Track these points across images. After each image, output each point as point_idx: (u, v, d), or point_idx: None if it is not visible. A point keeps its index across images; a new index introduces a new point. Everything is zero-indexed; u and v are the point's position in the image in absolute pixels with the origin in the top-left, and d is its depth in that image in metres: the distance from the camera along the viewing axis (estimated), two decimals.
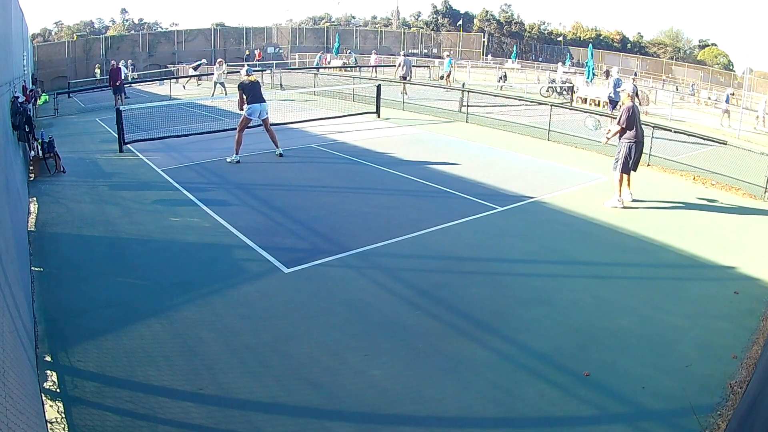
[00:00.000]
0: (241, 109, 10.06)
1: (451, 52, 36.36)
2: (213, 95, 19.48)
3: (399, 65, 20.46)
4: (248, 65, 26.26)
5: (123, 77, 22.26)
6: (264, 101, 10.06)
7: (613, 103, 14.73)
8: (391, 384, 3.75)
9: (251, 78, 10.07)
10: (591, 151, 11.32)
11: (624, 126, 7.52)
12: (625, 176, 7.68)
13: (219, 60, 22.35)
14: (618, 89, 14.51)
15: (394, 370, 3.90)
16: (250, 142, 10.90)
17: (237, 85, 10.45)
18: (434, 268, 5.68)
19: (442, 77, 24.43)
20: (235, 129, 12.30)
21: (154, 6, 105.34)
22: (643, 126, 7.96)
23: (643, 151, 8.05)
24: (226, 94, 19.22)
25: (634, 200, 7.88)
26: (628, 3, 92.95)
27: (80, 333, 4.28)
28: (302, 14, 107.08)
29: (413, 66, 22.68)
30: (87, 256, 5.81)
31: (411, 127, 13.65)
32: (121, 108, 11.28)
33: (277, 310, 4.70)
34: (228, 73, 21.61)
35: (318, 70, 25.74)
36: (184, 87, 23.62)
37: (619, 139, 7.69)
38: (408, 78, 19.73)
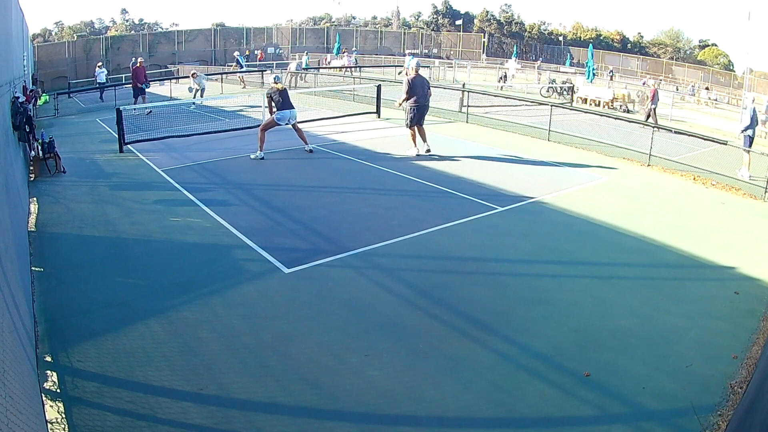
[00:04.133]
0: (272, 113, 10.28)
1: (415, 51, 37.56)
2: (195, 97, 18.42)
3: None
4: (240, 61, 26.52)
5: (102, 81, 22.16)
6: (293, 107, 10.36)
7: (749, 139, 11.28)
8: (391, 384, 3.75)
9: (278, 86, 10.22)
10: (591, 151, 11.32)
11: (409, 94, 9.96)
12: (417, 131, 10.23)
13: (193, 72, 20.07)
14: (755, 122, 11.54)
15: (394, 370, 3.90)
16: (252, 143, 10.90)
17: (265, 93, 10.58)
18: (434, 268, 5.68)
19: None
20: (235, 129, 12.34)
21: (155, 6, 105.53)
22: (428, 90, 10.37)
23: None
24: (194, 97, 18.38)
25: (428, 151, 10.22)
26: (628, 3, 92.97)
27: (80, 333, 4.28)
28: (302, 14, 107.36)
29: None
30: (87, 256, 5.81)
31: None
32: (121, 108, 11.26)
33: (277, 311, 4.70)
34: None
35: (306, 71, 25.61)
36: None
37: (407, 104, 10.07)
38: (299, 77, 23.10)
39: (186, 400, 3.53)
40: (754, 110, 11.43)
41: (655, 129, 12.10)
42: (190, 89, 19.35)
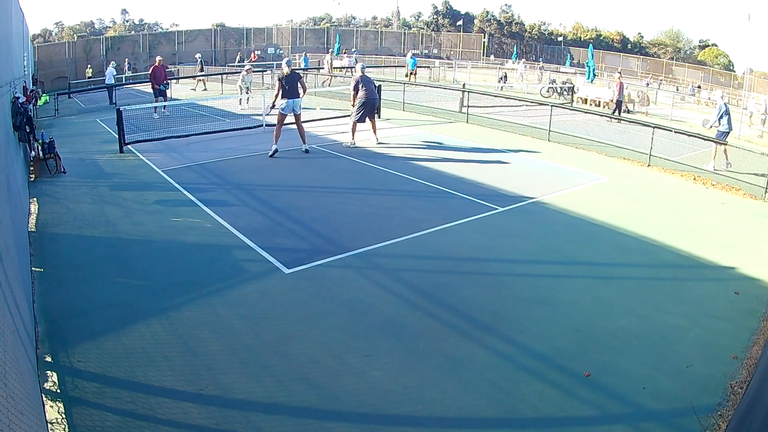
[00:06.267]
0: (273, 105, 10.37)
1: (416, 51, 37.29)
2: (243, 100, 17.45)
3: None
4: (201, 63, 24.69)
5: (111, 81, 21.48)
6: (298, 97, 10.23)
7: (723, 135, 11.12)
8: (391, 384, 3.75)
9: (286, 70, 10.06)
10: (591, 151, 11.32)
11: (355, 92, 10.89)
12: (361, 125, 11.23)
13: (247, 68, 18.95)
14: (721, 119, 11.23)
15: (394, 370, 3.91)
16: (251, 143, 10.91)
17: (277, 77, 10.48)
18: (434, 268, 5.68)
19: (406, 75, 25.88)
20: (235, 130, 12.37)
21: (155, 6, 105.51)
22: (375, 87, 11.45)
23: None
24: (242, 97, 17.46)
25: (379, 143, 11.32)
26: (628, 3, 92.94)
27: (80, 333, 4.28)
28: (302, 15, 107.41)
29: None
30: (87, 256, 5.81)
31: (411, 127, 13.65)
32: (121, 108, 11.27)
33: (277, 311, 4.70)
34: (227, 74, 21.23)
35: (306, 71, 25.14)
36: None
37: (355, 100, 10.96)
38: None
39: (186, 400, 3.53)
40: (724, 106, 11.37)
41: (617, 121, 13.54)
42: (246, 89, 17.71)
